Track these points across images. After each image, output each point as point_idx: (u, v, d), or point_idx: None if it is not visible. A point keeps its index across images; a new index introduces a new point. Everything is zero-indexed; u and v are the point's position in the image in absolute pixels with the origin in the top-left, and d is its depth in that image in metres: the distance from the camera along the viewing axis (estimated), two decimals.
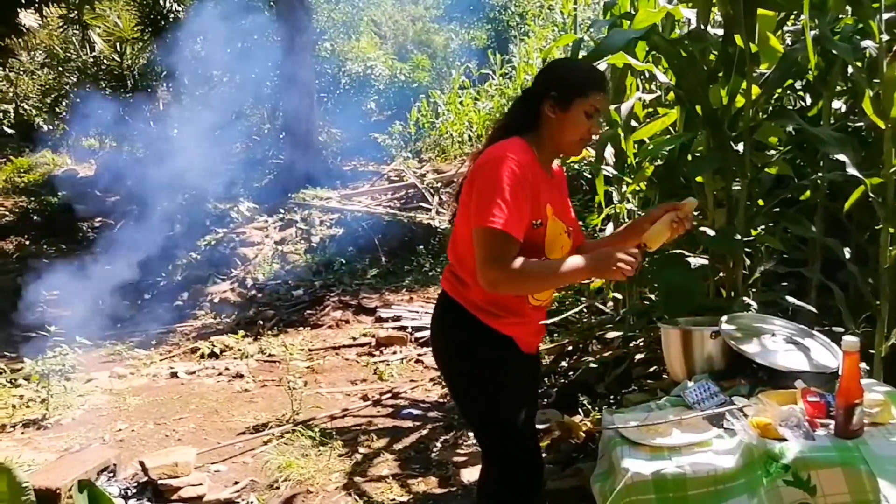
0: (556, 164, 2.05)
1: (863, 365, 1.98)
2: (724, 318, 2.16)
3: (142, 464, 3.27)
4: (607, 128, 3.68)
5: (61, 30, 11.56)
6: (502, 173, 1.74)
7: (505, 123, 1.95)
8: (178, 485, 3.20)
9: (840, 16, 2.80)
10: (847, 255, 2.71)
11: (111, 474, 3.22)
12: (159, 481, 3.19)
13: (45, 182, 11.21)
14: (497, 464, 1.95)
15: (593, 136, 1.90)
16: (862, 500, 1.51)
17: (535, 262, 1.78)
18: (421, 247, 8.09)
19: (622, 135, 3.60)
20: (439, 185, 9.51)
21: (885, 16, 2.35)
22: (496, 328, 1.87)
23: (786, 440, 1.64)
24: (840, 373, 1.68)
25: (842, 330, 2.62)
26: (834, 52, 2.53)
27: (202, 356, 5.76)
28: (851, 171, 2.32)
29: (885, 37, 2.31)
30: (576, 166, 6.61)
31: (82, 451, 3.57)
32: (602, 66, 3.29)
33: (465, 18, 16.11)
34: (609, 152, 3.93)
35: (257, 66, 11.28)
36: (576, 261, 1.79)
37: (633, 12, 3.56)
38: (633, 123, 3.69)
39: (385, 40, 15.51)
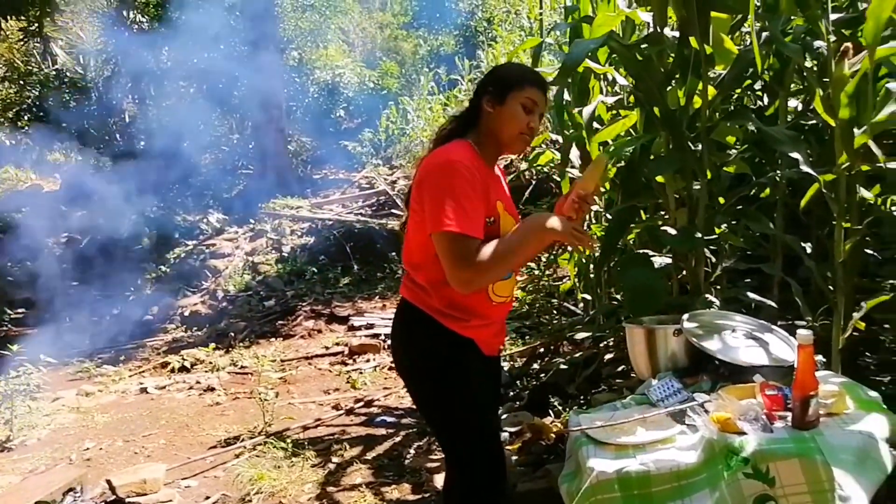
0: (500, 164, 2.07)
1: (820, 357, 2.01)
2: (686, 315, 2.19)
3: (109, 482, 3.21)
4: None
5: (22, 42, 11.36)
6: (450, 176, 1.76)
7: (447, 127, 1.99)
8: (147, 502, 3.16)
9: (792, 17, 2.86)
10: (808, 251, 2.76)
11: (77, 494, 3.16)
12: (127, 500, 3.14)
13: (8, 198, 10.98)
14: (460, 468, 1.94)
15: (533, 131, 1.93)
16: (818, 489, 1.53)
17: (493, 245, 1.78)
18: (393, 253, 8.08)
19: (586, 137, 3.64)
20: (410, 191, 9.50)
21: (833, 16, 2.40)
22: (457, 331, 1.87)
23: (745, 434, 1.66)
24: (796, 366, 1.71)
25: (804, 324, 2.67)
26: (785, 52, 2.58)
27: (173, 370, 5.69)
28: (805, 168, 2.37)
29: (832, 38, 2.37)
30: (545, 169, 6.66)
31: (47, 472, 3.50)
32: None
33: (433, 25, 16.17)
34: (574, 154, 3.97)
35: (224, 76, 11.19)
36: (530, 224, 1.83)
37: (593, 16, 3.60)
38: (597, 126, 3.73)
39: (353, 48, 15.50)
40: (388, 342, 5.80)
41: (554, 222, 1.81)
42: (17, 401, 4.53)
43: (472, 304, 1.88)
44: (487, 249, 1.76)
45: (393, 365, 5.32)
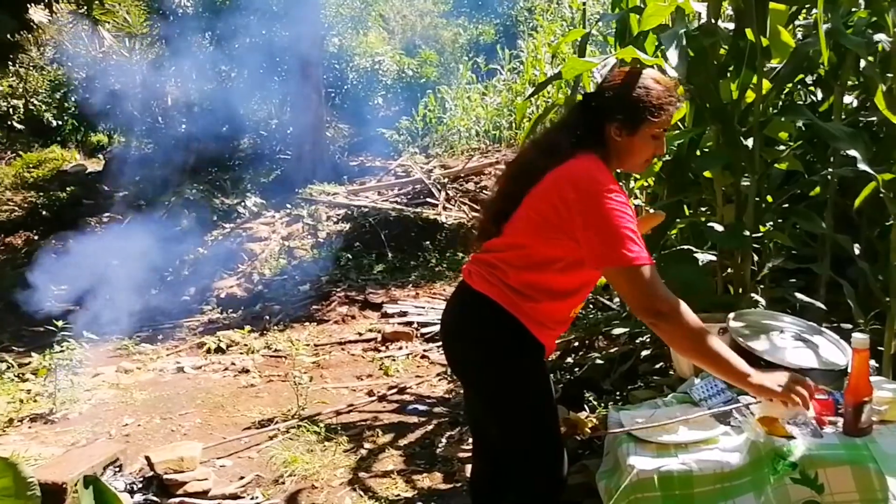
0: None
1: (872, 362, 1.95)
2: (732, 314, 2.15)
3: (147, 458, 3.27)
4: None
5: (71, 25, 11.59)
6: (618, 204, 1.70)
7: (573, 136, 1.83)
8: (184, 479, 3.20)
9: (853, 10, 2.76)
10: (857, 252, 2.68)
11: (117, 469, 3.22)
12: (165, 476, 3.19)
13: (54, 177, 11.26)
14: (534, 466, 1.88)
15: (661, 154, 1.86)
16: (870, 498, 1.49)
17: (706, 333, 1.69)
18: (427, 242, 8.08)
19: None
20: (446, 180, 9.49)
21: None
22: (539, 337, 1.84)
23: (793, 438, 1.62)
24: (849, 370, 1.66)
25: (851, 327, 2.59)
26: (846, 46, 2.49)
27: (208, 351, 5.77)
28: (862, 166, 2.29)
29: None
30: None
31: (88, 446, 3.58)
32: (611, 61, 3.27)
33: (474, 13, 16.08)
34: None
35: (265, 61, 11.28)
36: (747, 368, 1.69)
37: (642, 6, 3.53)
38: None
39: (393, 35, 15.48)
40: (421, 330, 5.86)
41: (773, 393, 1.66)
42: (60, 375, 4.65)
43: (562, 316, 1.88)
44: (705, 333, 1.68)
45: (425, 354, 5.39)
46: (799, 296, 2.84)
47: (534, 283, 1.80)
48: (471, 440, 3.65)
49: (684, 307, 1.68)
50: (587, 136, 1.81)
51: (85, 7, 9.57)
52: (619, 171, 1.95)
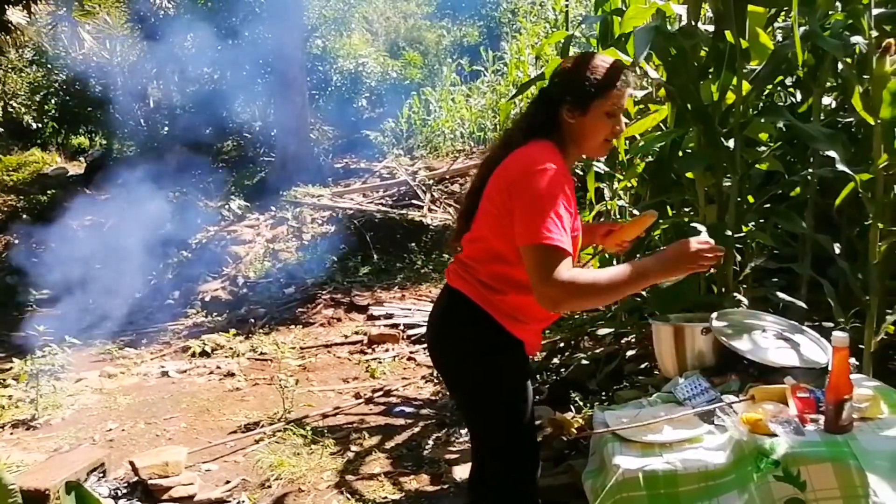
0: None
1: (852, 360, 1.98)
2: (715, 314, 2.17)
3: (132, 464, 3.25)
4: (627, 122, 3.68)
5: (50, 27, 11.46)
6: (547, 184, 1.68)
7: (526, 126, 1.85)
8: (169, 484, 3.18)
9: (830, 12, 2.80)
10: (837, 251, 2.72)
11: (101, 474, 3.19)
12: (150, 481, 3.16)
13: (34, 180, 11.14)
14: (505, 462, 1.91)
15: (619, 133, 1.84)
16: (851, 494, 1.51)
17: (594, 275, 1.69)
18: (413, 244, 8.08)
19: None
20: (431, 182, 9.50)
21: (875, 12, 2.35)
22: (514, 332, 1.84)
23: (776, 436, 1.64)
24: (830, 368, 1.69)
25: (832, 325, 2.63)
26: (824, 48, 2.53)
27: (193, 355, 5.74)
28: (841, 167, 2.33)
29: (874, 33, 2.32)
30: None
31: (72, 452, 3.54)
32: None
33: (457, 15, 16.10)
34: None
35: (248, 63, 11.23)
36: (643, 265, 1.72)
37: (623, 8, 3.56)
38: (625, 120, 3.69)
39: (377, 37, 15.47)
40: (407, 332, 5.86)
41: (685, 265, 1.69)
42: (43, 380, 4.60)
43: (534, 310, 1.82)
44: (589, 278, 1.67)
45: (411, 356, 5.38)
46: (781, 295, 2.87)
47: (499, 274, 1.82)
48: (457, 442, 3.68)
49: (580, 282, 1.65)
50: (541, 124, 1.82)
51: (64, 8, 9.47)
52: (585, 157, 1.95)
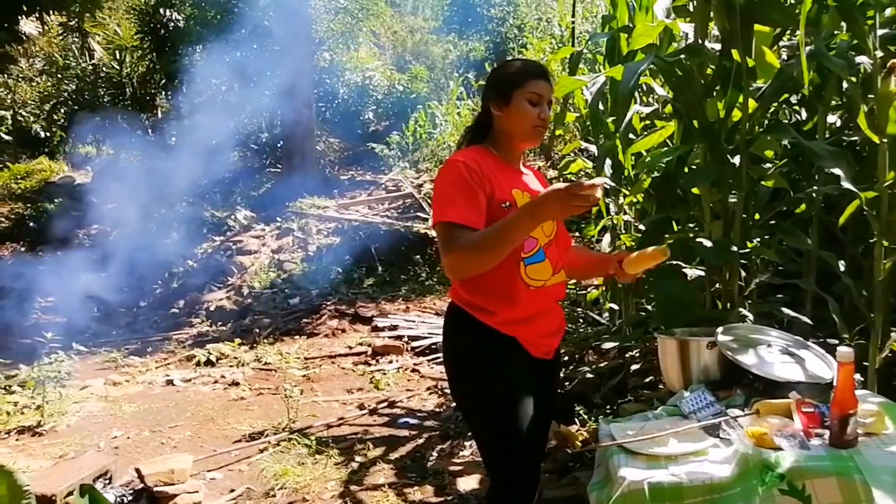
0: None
1: (857, 376, 1.99)
2: (721, 328, 2.18)
3: (138, 471, 3.26)
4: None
5: (61, 37, 11.60)
6: (447, 174, 1.86)
7: (466, 134, 2.09)
8: (174, 492, 3.19)
9: (835, 32, 2.84)
10: (842, 268, 2.74)
11: (107, 481, 3.21)
12: (155, 488, 3.17)
13: (41, 189, 11.21)
14: (491, 472, 1.94)
15: (545, 121, 1.96)
16: None
17: (475, 233, 1.77)
18: (417, 256, 8.11)
19: (620, 147, 3.64)
20: None
21: (880, 32, 2.38)
22: (497, 329, 1.87)
23: (781, 449, 1.65)
24: (835, 383, 1.70)
25: (836, 341, 2.64)
26: (829, 67, 2.56)
27: (198, 364, 5.75)
28: (846, 184, 2.35)
29: (879, 53, 2.35)
30: (573, 178, 6.65)
31: (78, 458, 3.56)
32: (600, 79, 3.33)
33: (464, 30, 16.21)
34: (607, 164, 3.97)
35: (256, 76, 11.32)
36: (516, 212, 1.78)
37: (631, 26, 3.60)
38: (631, 136, 3.73)
39: (384, 51, 15.59)
40: (411, 344, 5.88)
41: (559, 206, 1.67)
42: (49, 387, 4.62)
43: (499, 289, 1.86)
44: (471, 233, 1.77)
45: (415, 367, 5.40)
46: (785, 311, 2.89)
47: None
48: (461, 453, 3.69)
49: (462, 242, 1.74)
50: (477, 129, 2.03)
51: (76, 20, 9.59)
52: (522, 146, 2.03)
